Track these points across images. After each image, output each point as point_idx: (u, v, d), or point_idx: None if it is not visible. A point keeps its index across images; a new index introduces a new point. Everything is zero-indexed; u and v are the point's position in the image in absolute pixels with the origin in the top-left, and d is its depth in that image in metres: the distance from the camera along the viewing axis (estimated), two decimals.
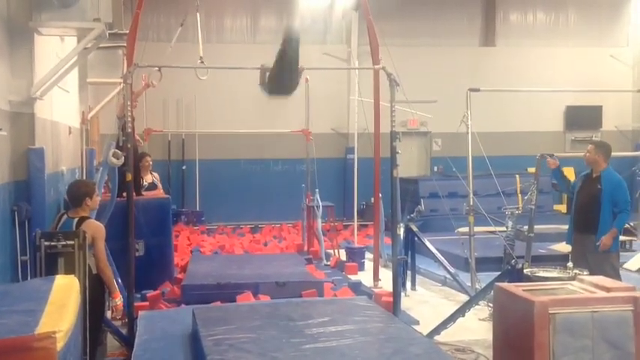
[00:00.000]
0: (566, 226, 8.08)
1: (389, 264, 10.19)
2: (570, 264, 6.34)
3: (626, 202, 7.38)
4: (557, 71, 18.50)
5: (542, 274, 6.27)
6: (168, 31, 16.85)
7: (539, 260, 8.86)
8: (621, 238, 11.39)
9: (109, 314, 6.56)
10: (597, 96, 18.31)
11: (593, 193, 7.43)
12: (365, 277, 10.23)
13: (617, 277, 7.06)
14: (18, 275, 6.50)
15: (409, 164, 17.99)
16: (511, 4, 19.67)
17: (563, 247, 9.36)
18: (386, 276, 9.62)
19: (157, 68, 8.69)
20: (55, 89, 7.81)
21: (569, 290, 5.35)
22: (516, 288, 5.31)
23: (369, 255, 11.48)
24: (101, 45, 8.24)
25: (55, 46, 8.39)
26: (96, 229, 5.75)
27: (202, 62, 10.15)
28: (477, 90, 9.89)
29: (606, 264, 7.24)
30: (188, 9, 12.99)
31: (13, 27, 6.79)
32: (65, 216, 5.88)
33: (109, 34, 7.85)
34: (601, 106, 19.19)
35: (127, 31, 9.88)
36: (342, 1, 18.06)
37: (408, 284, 9.60)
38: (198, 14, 11.72)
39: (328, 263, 11.55)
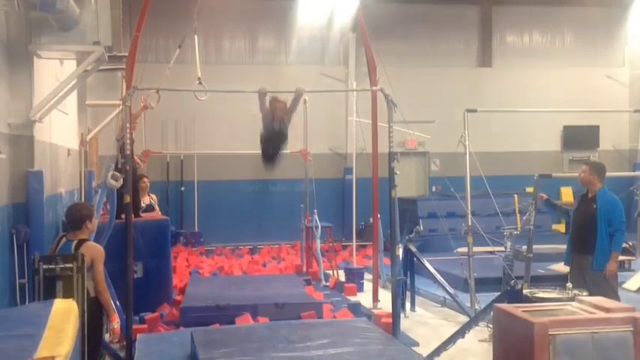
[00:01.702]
0: (565, 246, 8.08)
1: (388, 285, 10.17)
2: (570, 285, 6.34)
3: (621, 222, 7.39)
4: (554, 91, 18.59)
5: (541, 294, 6.27)
6: (167, 53, 16.92)
7: (538, 280, 8.86)
8: (620, 257, 11.41)
9: (107, 337, 6.53)
10: (594, 116, 18.39)
11: (589, 213, 7.45)
12: (364, 298, 10.20)
13: (616, 297, 7.06)
14: (16, 298, 6.48)
15: (407, 184, 18.01)
16: (507, 25, 19.83)
17: (562, 268, 9.35)
18: (385, 297, 9.59)
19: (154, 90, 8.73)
20: (55, 111, 7.84)
21: (568, 311, 5.34)
22: (516, 309, 5.30)
23: (368, 276, 11.44)
24: (100, 67, 8.28)
25: (54, 68, 8.44)
26: (95, 251, 5.74)
27: (200, 83, 10.23)
28: (474, 111, 9.94)
29: (604, 284, 7.24)
30: (187, 31, 13.05)
31: (12, 50, 6.83)
32: (64, 238, 5.87)
33: (109, 56, 7.91)
34: (598, 126, 19.27)
35: (127, 54, 9.93)
36: (339, 23, 18.20)
37: (408, 305, 9.58)
38: (196, 36, 11.79)
39: (327, 284, 11.52)
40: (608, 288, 7.20)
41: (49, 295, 5.24)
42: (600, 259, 7.30)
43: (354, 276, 11.57)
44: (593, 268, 7.33)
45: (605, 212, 7.35)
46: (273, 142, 7.88)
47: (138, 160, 10.67)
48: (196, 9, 11.25)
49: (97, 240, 6.58)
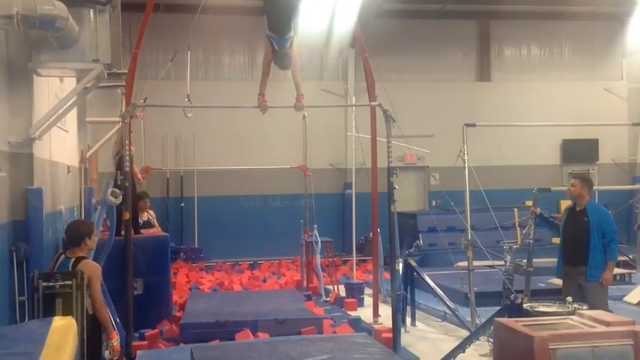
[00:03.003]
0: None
1: (388, 299, 10.15)
2: (570, 298, 6.34)
3: (614, 232, 7.47)
4: (552, 105, 18.63)
5: (541, 308, 6.27)
6: (166, 70, 16.99)
7: (538, 294, 8.84)
8: (621, 270, 11.43)
9: (106, 354, 6.51)
10: (593, 129, 18.43)
11: (580, 225, 7.49)
12: (364, 313, 10.17)
13: (606, 307, 7.08)
14: (16, 316, 6.46)
15: (407, 199, 18.02)
16: (505, 39, 19.91)
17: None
18: (386, 312, 9.56)
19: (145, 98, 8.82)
20: (54, 129, 7.85)
21: (568, 325, 5.34)
22: (516, 323, 5.29)
23: (368, 290, 11.42)
24: (100, 84, 8.31)
25: (54, 86, 8.46)
26: (92, 269, 5.73)
27: (189, 100, 10.34)
28: (473, 125, 9.96)
29: (597, 295, 7.27)
30: (186, 47, 13.11)
31: (12, 68, 6.85)
32: (63, 256, 5.87)
33: (108, 73, 7.92)
34: (597, 139, 19.30)
35: (126, 71, 9.97)
36: (338, 39, 18.27)
37: (408, 320, 9.56)
38: (189, 52, 11.83)
39: (327, 299, 11.48)
40: (599, 299, 7.23)
41: (49, 312, 5.24)
42: (594, 270, 7.34)
43: (355, 291, 11.55)
44: (587, 279, 7.36)
45: (597, 224, 7.42)
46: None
47: (137, 171, 10.63)
48: (192, 26, 11.33)
49: (96, 257, 6.57)
